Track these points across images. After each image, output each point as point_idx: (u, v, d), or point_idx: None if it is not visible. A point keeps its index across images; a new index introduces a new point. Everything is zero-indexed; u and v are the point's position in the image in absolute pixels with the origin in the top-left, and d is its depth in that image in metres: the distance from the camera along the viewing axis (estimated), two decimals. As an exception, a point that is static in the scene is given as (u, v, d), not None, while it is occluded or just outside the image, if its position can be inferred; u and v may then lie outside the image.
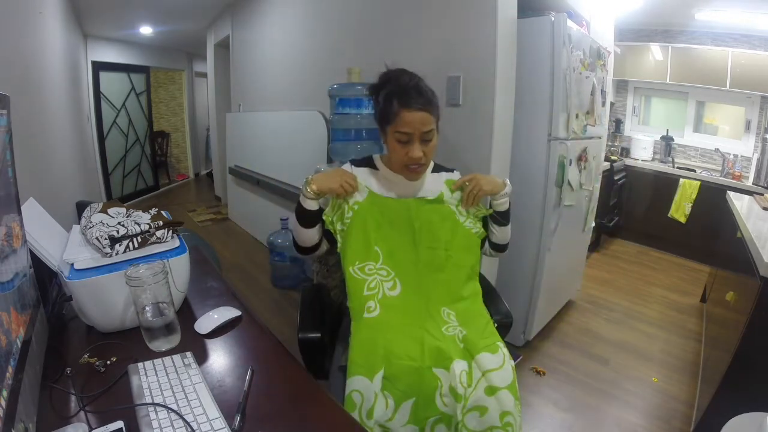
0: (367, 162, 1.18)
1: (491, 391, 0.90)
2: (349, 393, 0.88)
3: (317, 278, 1.44)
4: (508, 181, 1.14)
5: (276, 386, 0.74)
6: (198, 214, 4.75)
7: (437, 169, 1.21)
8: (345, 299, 1.23)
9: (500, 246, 1.22)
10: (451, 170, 1.23)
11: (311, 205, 1.06)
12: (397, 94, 1.01)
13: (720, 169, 3.50)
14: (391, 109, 1.02)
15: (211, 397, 0.67)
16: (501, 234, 1.19)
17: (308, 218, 1.08)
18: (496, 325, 1.09)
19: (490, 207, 1.16)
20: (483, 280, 1.24)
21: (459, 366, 0.91)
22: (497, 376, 0.92)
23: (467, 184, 1.12)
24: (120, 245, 0.87)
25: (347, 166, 1.18)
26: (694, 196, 3.36)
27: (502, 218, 1.16)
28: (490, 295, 1.19)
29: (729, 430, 0.95)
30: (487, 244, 1.22)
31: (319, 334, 1.04)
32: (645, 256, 3.53)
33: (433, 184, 1.17)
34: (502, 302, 1.19)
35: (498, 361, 0.95)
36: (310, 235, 1.11)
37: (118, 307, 0.83)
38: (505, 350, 0.99)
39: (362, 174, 1.14)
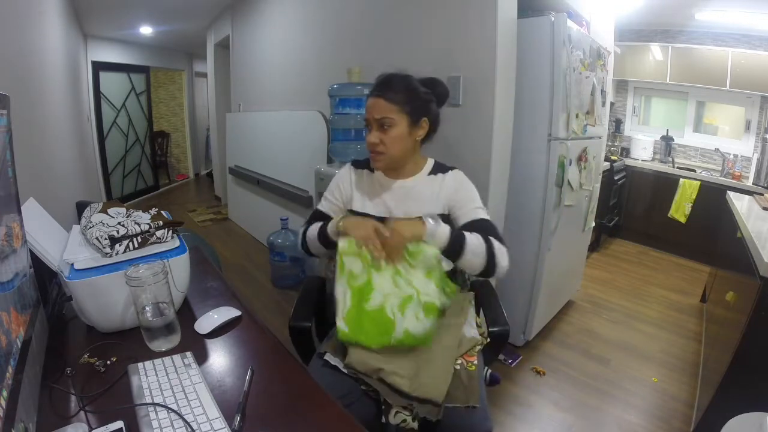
0: (365, 163, 1.19)
1: None
2: None
3: (323, 272, 1.44)
4: (428, 220, 0.97)
5: (276, 386, 0.74)
6: (198, 214, 4.75)
7: (435, 170, 1.13)
8: None
9: (480, 274, 1.02)
10: (447, 170, 1.14)
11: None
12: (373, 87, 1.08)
13: (720, 169, 3.50)
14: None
15: (211, 397, 0.67)
16: (466, 265, 1.01)
17: (331, 246, 1.09)
18: (487, 340, 1.08)
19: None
20: (484, 283, 1.24)
21: None
22: None
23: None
24: (120, 245, 0.87)
25: (347, 167, 1.21)
26: (694, 196, 3.36)
27: (448, 255, 0.98)
28: (489, 302, 1.17)
29: (729, 430, 0.95)
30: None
31: (309, 323, 1.06)
32: (645, 256, 3.53)
33: (427, 187, 1.11)
34: (501, 311, 1.12)
35: None
36: (324, 252, 1.15)
37: (118, 307, 0.83)
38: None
39: (359, 177, 1.18)
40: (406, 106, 1.04)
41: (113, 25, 4.42)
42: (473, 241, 0.98)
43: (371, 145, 1.07)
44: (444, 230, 0.97)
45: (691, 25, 3.36)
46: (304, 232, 1.16)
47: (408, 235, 0.95)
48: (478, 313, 1.19)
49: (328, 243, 1.09)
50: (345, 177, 1.19)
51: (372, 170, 1.17)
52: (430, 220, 0.97)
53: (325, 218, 1.16)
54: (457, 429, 0.88)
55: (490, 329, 1.08)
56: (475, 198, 1.10)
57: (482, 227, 1.04)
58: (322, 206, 1.21)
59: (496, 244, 1.00)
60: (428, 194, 1.11)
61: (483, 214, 1.07)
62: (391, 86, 1.04)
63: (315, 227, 1.12)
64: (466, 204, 1.08)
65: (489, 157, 1.65)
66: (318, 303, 1.20)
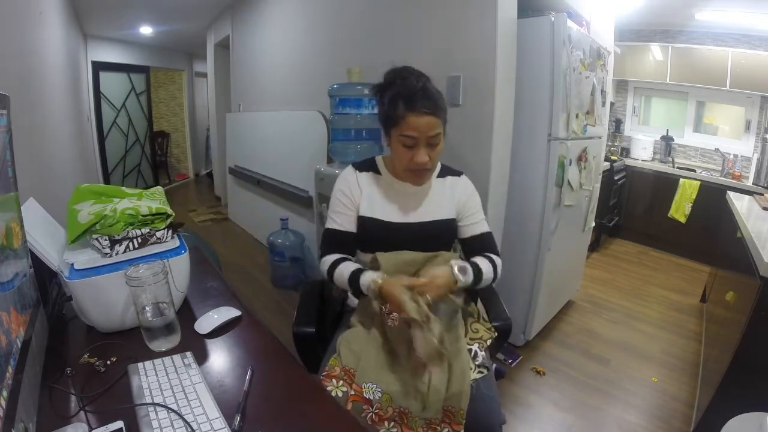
0: (369, 165, 1.14)
1: None
2: None
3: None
4: (456, 272, 0.97)
5: (276, 386, 0.74)
6: (198, 214, 4.75)
7: (443, 173, 1.15)
8: (347, 296, 1.23)
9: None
10: (458, 173, 1.17)
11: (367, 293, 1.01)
12: (403, 97, 0.97)
13: (720, 169, 3.50)
14: (397, 112, 0.97)
15: (211, 397, 0.67)
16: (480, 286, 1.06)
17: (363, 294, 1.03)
18: (495, 334, 1.07)
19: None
20: None
21: None
22: None
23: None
24: (120, 246, 0.87)
25: (350, 171, 1.14)
26: (694, 196, 3.36)
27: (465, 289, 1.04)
28: (489, 298, 1.18)
29: (729, 430, 0.95)
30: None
31: (313, 329, 1.04)
32: (645, 256, 3.53)
33: (439, 190, 1.13)
34: (502, 306, 1.14)
35: None
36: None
37: (118, 307, 0.83)
38: None
39: (366, 180, 1.11)
40: (444, 116, 1.01)
41: (113, 25, 4.43)
42: (487, 271, 1.04)
43: (421, 165, 0.99)
44: (470, 277, 1.00)
45: (691, 25, 3.36)
46: (331, 267, 1.06)
47: (444, 292, 0.97)
48: (479, 308, 1.20)
49: (361, 291, 1.01)
50: (351, 181, 1.11)
51: (379, 173, 1.13)
52: (461, 276, 0.98)
53: (341, 239, 1.10)
54: (471, 417, 0.88)
55: (493, 323, 1.10)
56: (480, 208, 1.15)
57: (487, 241, 1.13)
58: (334, 224, 1.10)
59: (497, 260, 1.09)
60: (442, 198, 1.12)
61: (486, 226, 1.14)
62: (434, 100, 0.98)
63: (345, 270, 1.02)
64: (474, 214, 1.13)
65: (489, 156, 1.65)
66: (319, 307, 1.19)
